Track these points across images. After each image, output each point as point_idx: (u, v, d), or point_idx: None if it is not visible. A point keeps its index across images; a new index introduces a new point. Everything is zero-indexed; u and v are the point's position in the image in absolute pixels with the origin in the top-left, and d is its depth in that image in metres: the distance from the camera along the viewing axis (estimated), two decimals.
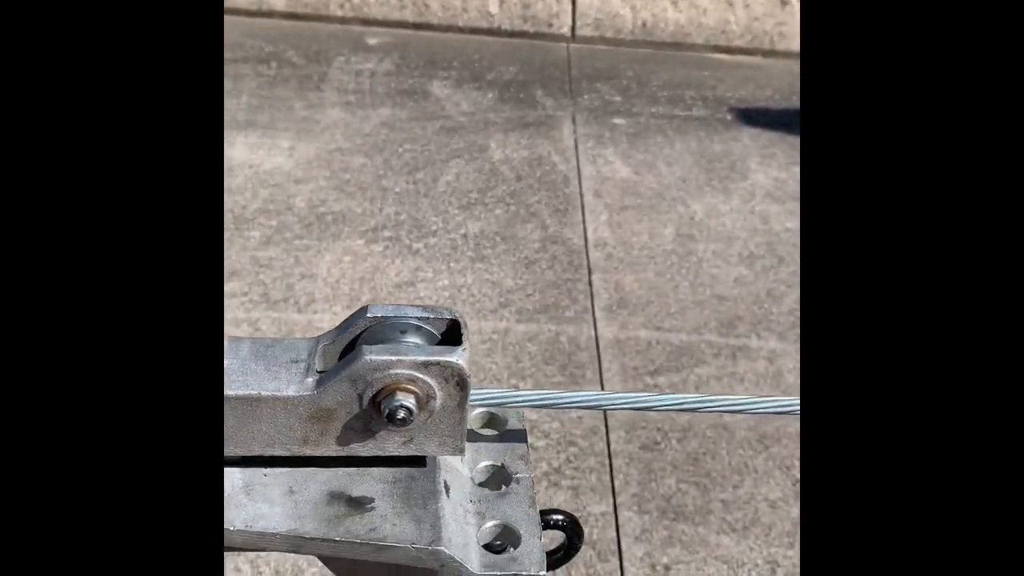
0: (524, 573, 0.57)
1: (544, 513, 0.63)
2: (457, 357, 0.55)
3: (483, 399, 0.61)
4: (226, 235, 2.68)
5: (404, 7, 4.38)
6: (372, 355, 0.54)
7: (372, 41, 4.25)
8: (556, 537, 0.65)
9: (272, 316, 2.33)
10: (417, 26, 4.37)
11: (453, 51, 4.21)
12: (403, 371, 0.54)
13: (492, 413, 0.68)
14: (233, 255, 2.58)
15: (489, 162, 3.31)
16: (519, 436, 0.67)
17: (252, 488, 0.56)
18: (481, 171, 3.24)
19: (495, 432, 0.67)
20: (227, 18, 4.28)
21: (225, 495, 0.56)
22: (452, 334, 0.58)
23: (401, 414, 0.54)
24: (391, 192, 3.03)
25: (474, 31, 4.39)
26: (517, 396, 0.63)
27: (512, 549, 0.58)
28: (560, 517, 0.64)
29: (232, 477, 0.57)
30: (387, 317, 0.58)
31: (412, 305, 0.60)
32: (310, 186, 3.00)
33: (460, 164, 3.27)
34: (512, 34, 4.40)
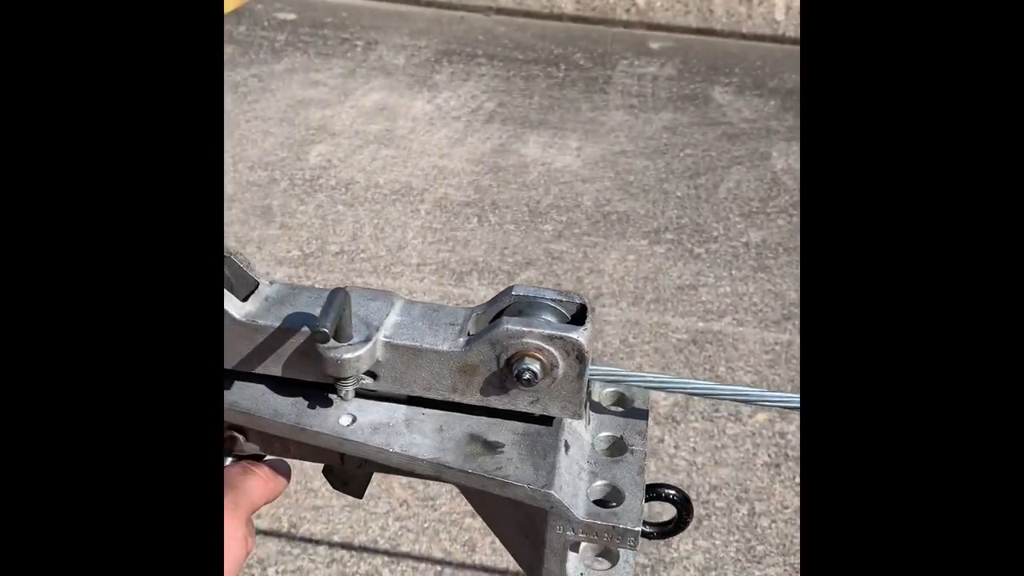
0: (621, 526, 0.64)
1: (659, 487, 0.70)
2: (578, 335, 0.64)
3: (603, 375, 0.71)
4: (523, 226, 2.91)
5: (688, 12, 4.44)
6: (509, 324, 0.65)
7: (655, 45, 4.35)
8: (671, 511, 0.71)
9: None
10: (700, 31, 4.41)
11: (735, 57, 4.21)
12: (532, 340, 0.65)
13: (622, 393, 0.77)
14: (529, 246, 2.81)
15: (771, 171, 3.30)
16: (641, 415, 0.75)
17: (411, 422, 0.69)
18: (763, 180, 3.24)
19: (622, 409, 0.76)
20: (519, 20, 4.58)
21: (390, 425, 0.69)
22: (580, 316, 0.68)
23: (527, 375, 0.65)
24: (672, 195, 3.13)
25: (757, 38, 4.36)
26: (633, 376, 0.72)
27: (616, 506, 0.66)
28: (672, 492, 0.70)
29: (397, 411, 0.70)
30: (528, 296, 0.69)
31: (549, 289, 0.70)
32: (596, 185, 3.17)
33: (741, 171, 3.30)
34: (797, 42, 4.31)
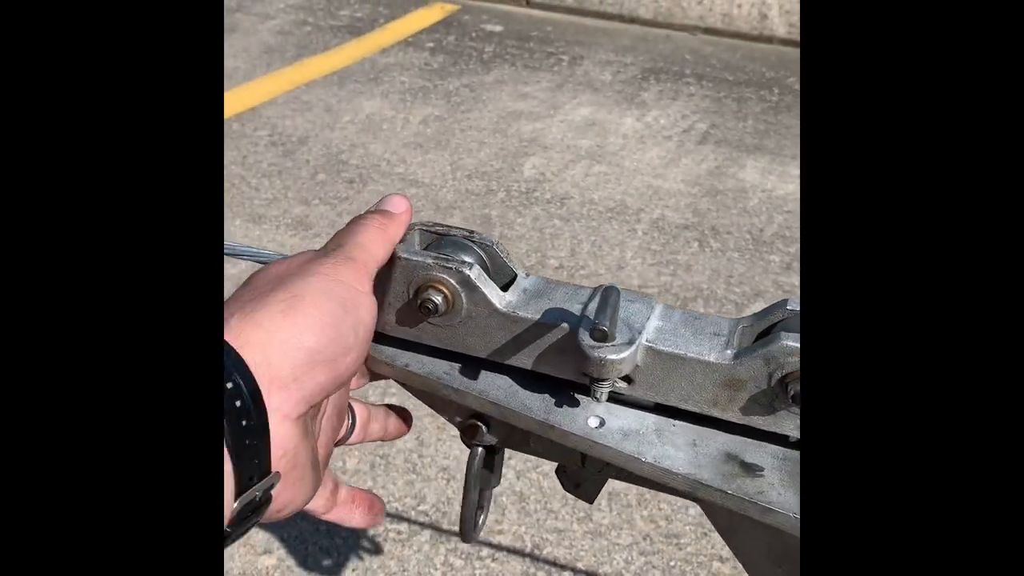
0: None
1: None
2: None
3: None
4: (748, 255, 2.79)
5: None
6: (789, 340, 0.60)
7: None
8: None
9: None
10: None
11: None
12: None
13: None
14: (756, 276, 2.68)
15: None
16: None
17: (662, 433, 0.65)
18: None
19: None
20: (727, 40, 4.45)
21: (640, 433, 0.65)
22: None
23: None
24: None
25: None
26: None
27: None
28: None
29: (647, 419, 0.66)
30: None
31: None
32: None
33: None
34: None
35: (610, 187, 3.15)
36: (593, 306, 0.64)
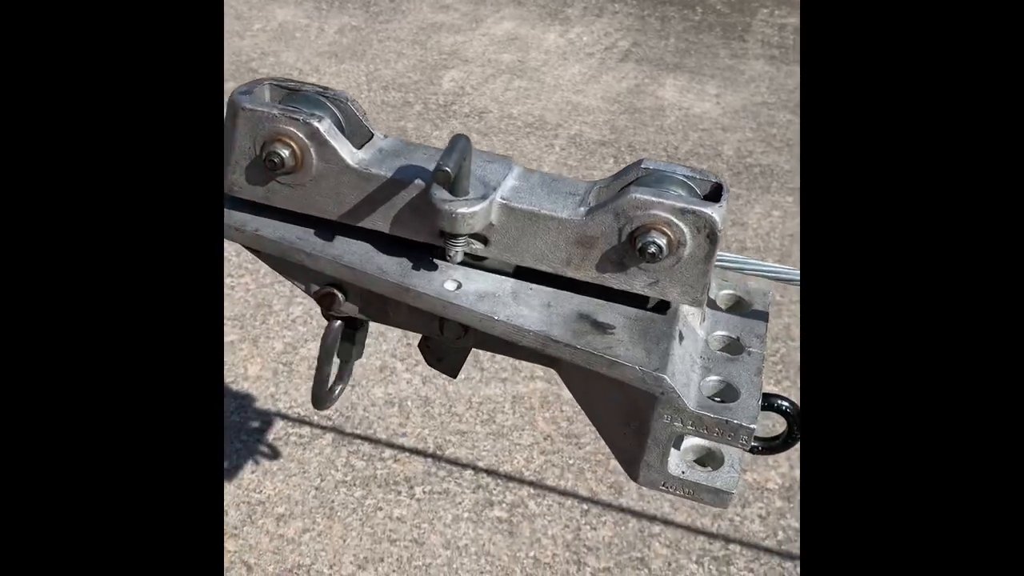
0: (734, 421, 0.60)
1: (772, 396, 0.65)
2: (713, 211, 0.59)
3: (729, 262, 0.67)
4: None
5: None
6: (637, 193, 0.60)
7: None
8: (778, 428, 0.66)
9: None
10: None
11: None
12: (662, 213, 0.59)
13: (740, 297, 0.72)
14: None
15: None
16: (761, 317, 0.71)
17: (518, 295, 0.66)
18: None
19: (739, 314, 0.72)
20: None
21: (495, 295, 0.66)
22: (714, 195, 0.62)
23: (652, 249, 0.59)
24: None
25: None
26: (761, 267, 0.68)
27: (730, 403, 0.62)
28: (786, 404, 0.65)
29: (505, 283, 0.67)
30: (659, 170, 0.63)
31: (682, 165, 0.64)
32: (737, 135, 3.03)
33: None
34: None
35: (530, 102, 3.12)
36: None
